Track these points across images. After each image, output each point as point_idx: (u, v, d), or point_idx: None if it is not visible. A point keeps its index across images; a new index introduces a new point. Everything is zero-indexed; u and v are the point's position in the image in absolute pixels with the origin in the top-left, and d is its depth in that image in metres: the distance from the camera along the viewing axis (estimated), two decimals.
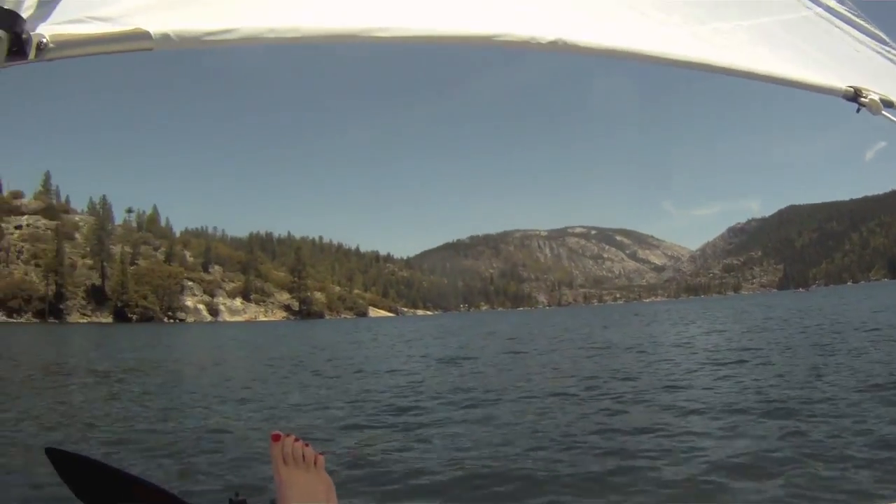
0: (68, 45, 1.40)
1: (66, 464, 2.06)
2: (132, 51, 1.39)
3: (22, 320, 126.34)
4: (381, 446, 8.67)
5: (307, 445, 1.74)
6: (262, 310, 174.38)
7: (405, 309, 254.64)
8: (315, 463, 1.74)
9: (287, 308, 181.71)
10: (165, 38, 1.33)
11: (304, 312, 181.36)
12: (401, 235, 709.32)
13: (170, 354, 33.02)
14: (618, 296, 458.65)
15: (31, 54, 1.35)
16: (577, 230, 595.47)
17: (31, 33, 1.34)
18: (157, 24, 1.36)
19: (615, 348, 24.65)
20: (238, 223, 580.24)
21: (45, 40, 1.37)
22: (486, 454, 7.93)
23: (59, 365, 25.54)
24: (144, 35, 1.35)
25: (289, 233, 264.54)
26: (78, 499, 2.02)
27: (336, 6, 1.38)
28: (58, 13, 1.44)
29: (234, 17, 1.36)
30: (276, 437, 1.74)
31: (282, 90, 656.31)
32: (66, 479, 2.03)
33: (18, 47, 1.30)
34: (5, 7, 1.28)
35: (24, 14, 1.31)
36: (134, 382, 18.37)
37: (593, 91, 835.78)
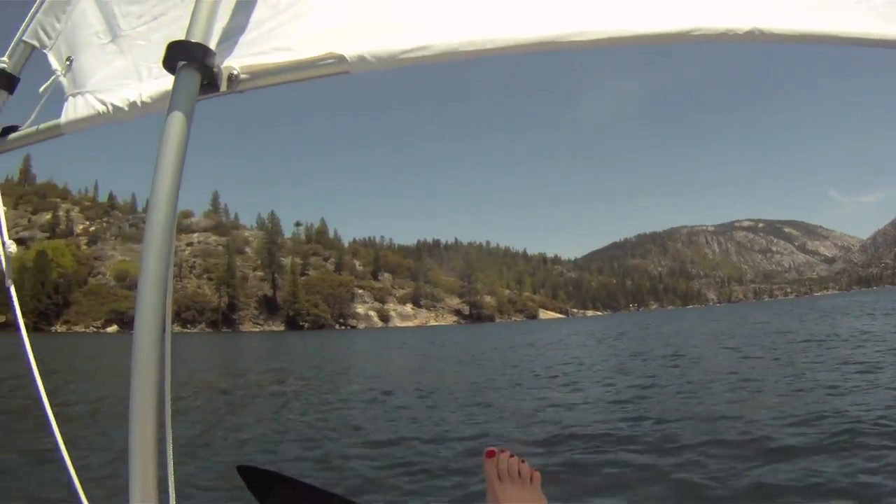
0: (260, 75, 1.40)
1: (258, 480, 2.03)
2: (326, 76, 1.37)
3: (196, 330, 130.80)
4: (605, 457, 7.64)
5: (523, 461, 1.68)
6: (433, 314, 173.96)
7: (574, 310, 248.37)
8: (531, 479, 1.67)
9: (457, 312, 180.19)
10: (361, 59, 1.31)
11: (475, 316, 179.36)
12: (567, 237, 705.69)
13: (361, 360, 32.93)
14: (788, 290, 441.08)
15: (223, 86, 1.37)
16: (745, 223, 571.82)
17: (221, 66, 1.37)
18: (349, 47, 1.33)
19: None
20: (403, 232, 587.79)
21: (235, 72, 1.39)
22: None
23: (254, 371, 25.54)
24: (339, 59, 1.32)
25: (456, 239, 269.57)
26: None
27: (531, 14, 1.28)
28: (245, 45, 1.44)
29: (426, 33, 1.28)
30: (491, 454, 1.69)
31: (435, 101, 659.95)
32: (257, 496, 2.01)
33: (209, 80, 1.32)
34: (194, 41, 1.30)
35: (213, 47, 1.32)
36: (332, 389, 17.92)
37: (750, 81, 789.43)
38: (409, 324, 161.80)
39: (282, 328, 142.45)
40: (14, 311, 1.89)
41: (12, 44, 1.91)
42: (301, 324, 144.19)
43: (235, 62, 1.41)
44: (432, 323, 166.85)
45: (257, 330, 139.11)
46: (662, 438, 8.40)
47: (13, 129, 1.94)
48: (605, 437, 8.67)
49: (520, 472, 1.65)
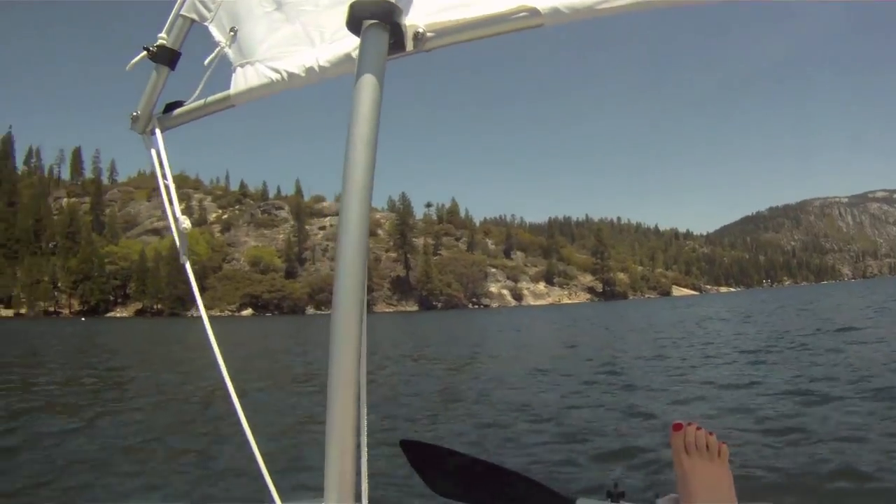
0: (448, 33, 1.36)
1: (420, 454, 2.02)
2: (517, 31, 1.29)
3: (328, 312, 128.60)
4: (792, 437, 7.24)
5: (711, 434, 1.67)
6: (566, 293, 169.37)
7: (708, 286, 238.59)
8: (719, 453, 1.65)
9: (590, 290, 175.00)
10: (555, 12, 1.22)
11: (608, 293, 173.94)
12: (698, 212, 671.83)
13: (511, 337, 32.90)
14: None
15: (409, 45, 1.34)
16: (879, 194, 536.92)
17: (407, 24, 1.32)
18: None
19: None
20: (533, 210, 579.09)
21: (421, 30, 1.35)
22: None
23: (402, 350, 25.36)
24: (532, 12, 1.23)
25: (586, 215, 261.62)
26: (431, 489, 1.97)
27: None
28: (431, 1, 1.40)
29: None
30: (678, 427, 1.67)
31: (552, 74, 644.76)
32: (419, 469, 2.01)
33: (396, 39, 1.29)
34: None
35: (398, 3, 1.28)
36: (484, 366, 17.83)
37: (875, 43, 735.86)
38: (542, 302, 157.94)
39: (415, 308, 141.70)
40: (191, 287, 1.89)
41: (170, 19, 1.90)
42: (434, 304, 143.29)
43: (421, 19, 1.35)
44: (565, 301, 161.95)
45: (390, 310, 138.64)
46: None
47: (177, 104, 1.96)
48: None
49: (708, 445, 1.62)
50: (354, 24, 1.24)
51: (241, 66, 1.77)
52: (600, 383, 12.76)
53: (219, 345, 1.80)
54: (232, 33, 1.82)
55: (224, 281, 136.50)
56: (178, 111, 1.95)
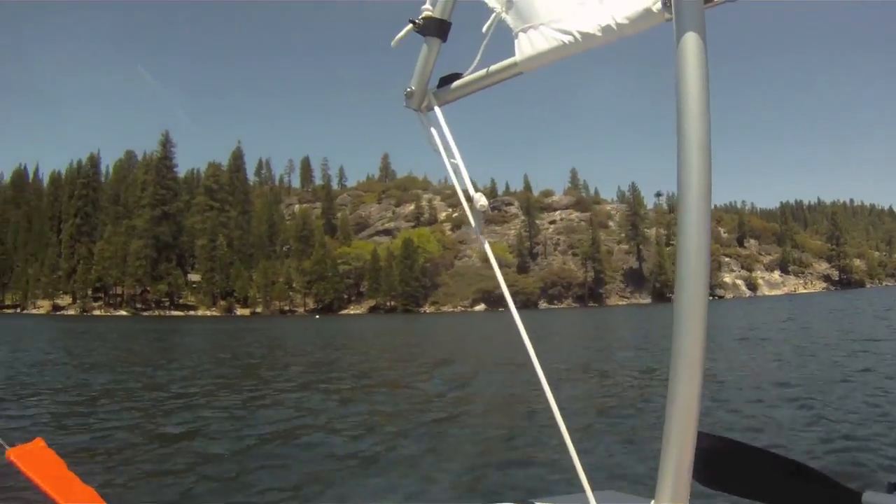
0: None
1: (711, 447, 1.84)
2: None
3: (563, 305, 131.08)
4: None
5: None
6: (801, 281, 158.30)
7: None
8: None
9: (825, 278, 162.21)
10: None
11: (844, 282, 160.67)
12: None
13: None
14: None
15: None
16: None
17: None
18: None
19: None
20: (763, 195, 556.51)
21: None
22: None
23: None
24: None
25: (818, 199, 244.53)
26: (719, 485, 1.83)
27: None
28: None
29: None
30: None
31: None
32: (707, 463, 1.78)
33: None
34: None
35: None
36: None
37: None
38: (777, 292, 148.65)
39: (648, 300, 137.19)
40: (494, 269, 1.87)
41: None
42: (668, 295, 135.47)
43: None
44: (801, 290, 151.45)
45: (623, 303, 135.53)
46: None
47: (453, 77, 1.90)
48: None
49: None
50: None
51: (524, 30, 1.68)
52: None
53: (530, 337, 1.76)
54: None
55: (456, 277, 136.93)
56: (457, 83, 1.87)
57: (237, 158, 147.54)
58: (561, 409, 1.62)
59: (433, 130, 1.94)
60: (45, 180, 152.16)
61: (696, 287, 1.11)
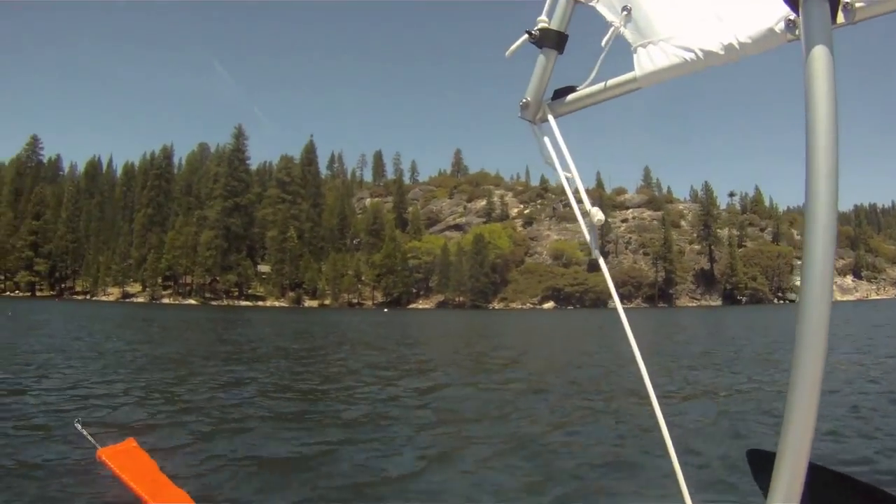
0: (878, 2, 1.25)
1: (767, 466, 1.84)
2: None
3: (632, 305, 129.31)
4: None
5: None
6: (874, 287, 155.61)
7: None
8: None
9: None
10: None
11: None
12: None
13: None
14: None
15: (840, 17, 1.25)
16: None
17: None
18: None
19: None
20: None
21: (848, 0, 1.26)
22: None
23: None
24: None
25: (892, 202, 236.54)
26: None
27: None
28: None
29: None
30: None
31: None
32: (762, 483, 1.90)
33: (833, 11, 1.21)
34: None
35: None
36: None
37: None
38: (849, 298, 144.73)
39: (718, 302, 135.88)
40: (608, 281, 1.82)
41: (549, 1, 1.86)
42: (738, 298, 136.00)
43: None
44: (873, 297, 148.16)
45: (693, 305, 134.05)
46: None
47: (567, 90, 1.88)
48: None
49: None
50: None
51: (643, 46, 1.67)
52: None
53: (635, 336, 1.70)
54: (625, 12, 1.73)
55: (526, 274, 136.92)
56: (573, 96, 1.84)
57: (310, 152, 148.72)
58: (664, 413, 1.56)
59: (547, 142, 1.90)
60: (119, 171, 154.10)
61: (819, 300, 1.06)
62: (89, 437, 5.58)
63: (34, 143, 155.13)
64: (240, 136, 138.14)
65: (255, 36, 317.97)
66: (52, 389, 13.31)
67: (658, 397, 1.65)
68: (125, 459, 5.17)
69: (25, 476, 7.19)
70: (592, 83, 1.77)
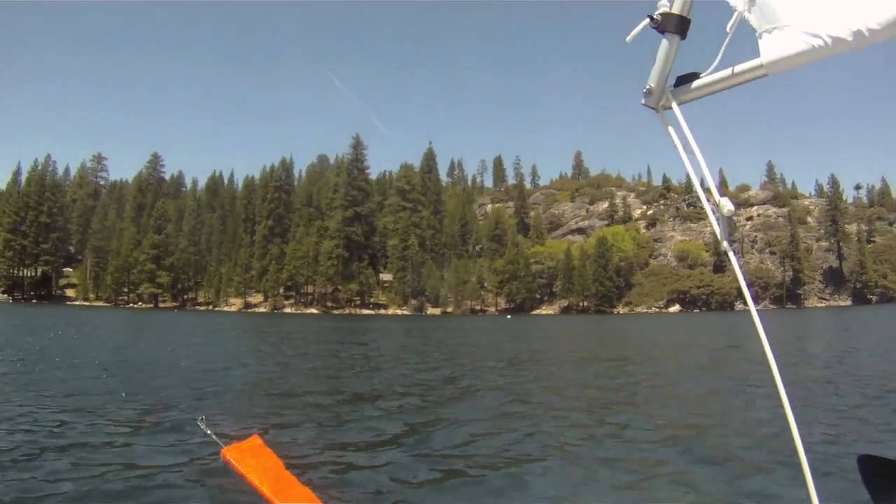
0: None
1: (882, 474, 1.86)
2: None
3: (759, 307, 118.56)
4: None
5: None
6: None
7: None
8: None
9: None
10: None
11: None
12: None
13: None
14: None
15: None
16: None
17: None
18: None
19: None
20: None
21: None
22: None
23: None
24: None
25: None
26: None
27: None
28: None
29: None
30: None
31: None
32: (873, 490, 1.86)
33: None
34: None
35: None
36: None
37: None
38: None
39: (848, 302, 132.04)
40: (738, 275, 1.85)
41: None
42: (868, 297, 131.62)
43: None
44: None
45: (822, 305, 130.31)
46: None
47: (691, 76, 1.86)
48: None
49: None
50: None
51: (769, 31, 1.62)
52: None
53: (768, 338, 1.67)
54: None
55: (651, 277, 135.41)
56: (698, 83, 1.81)
57: (429, 159, 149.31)
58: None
59: (671, 131, 1.87)
60: (240, 185, 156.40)
61: None
62: (213, 435, 5.31)
63: (155, 160, 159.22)
64: (358, 145, 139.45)
65: (370, 45, 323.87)
66: (178, 386, 14.09)
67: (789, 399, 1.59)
68: (249, 456, 4.85)
69: (150, 475, 7.36)
70: (717, 70, 1.72)
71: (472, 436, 9.69)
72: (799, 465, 1.57)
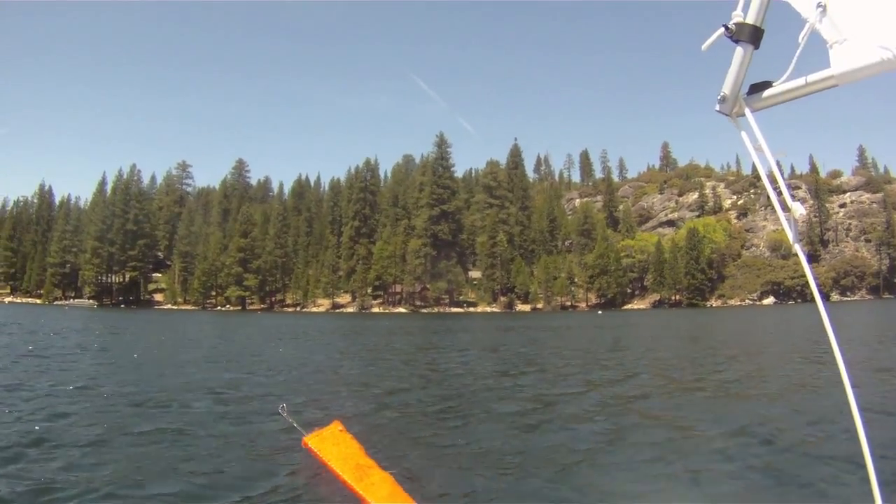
0: None
1: None
2: None
3: (855, 298, 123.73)
4: None
5: None
6: None
7: None
8: None
9: None
10: None
11: None
12: None
13: None
14: None
15: None
16: None
17: None
18: None
19: None
20: None
21: None
22: None
23: None
24: None
25: None
26: None
27: None
28: None
29: None
30: None
31: None
32: None
33: None
34: None
35: None
36: None
37: None
38: None
39: None
40: (809, 275, 1.87)
41: None
42: None
43: None
44: None
45: None
46: None
47: (764, 85, 1.89)
48: None
49: None
50: None
51: (840, 43, 1.64)
52: None
53: (835, 332, 1.68)
54: (819, 9, 1.69)
55: (743, 269, 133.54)
56: (770, 92, 1.85)
57: (515, 155, 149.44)
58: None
59: (745, 137, 1.92)
60: (326, 188, 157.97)
61: None
62: (293, 423, 5.98)
63: (240, 166, 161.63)
64: (442, 143, 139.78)
65: (453, 46, 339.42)
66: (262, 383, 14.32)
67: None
68: (331, 443, 5.50)
69: (234, 459, 7.43)
70: (789, 79, 1.75)
71: (562, 430, 9.47)
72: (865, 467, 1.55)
